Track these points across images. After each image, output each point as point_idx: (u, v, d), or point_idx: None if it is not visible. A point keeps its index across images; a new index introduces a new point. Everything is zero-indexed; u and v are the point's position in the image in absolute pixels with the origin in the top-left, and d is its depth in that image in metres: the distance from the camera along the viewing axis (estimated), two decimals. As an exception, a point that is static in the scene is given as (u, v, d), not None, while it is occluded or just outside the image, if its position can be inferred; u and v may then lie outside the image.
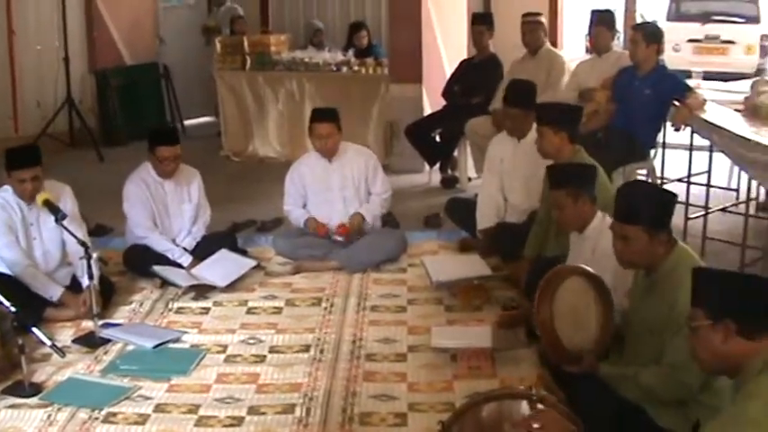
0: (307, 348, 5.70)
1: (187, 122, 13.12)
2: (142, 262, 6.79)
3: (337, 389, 5.16)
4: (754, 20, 17.41)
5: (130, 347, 5.69)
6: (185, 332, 5.93)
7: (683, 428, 4.00)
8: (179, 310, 6.34)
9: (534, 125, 6.53)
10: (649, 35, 7.82)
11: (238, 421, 4.83)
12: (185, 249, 6.93)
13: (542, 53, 9.31)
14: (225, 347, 5.71)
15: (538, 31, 9.31)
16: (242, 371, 5.40)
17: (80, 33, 12.02)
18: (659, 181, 8.17)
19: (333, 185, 7.27)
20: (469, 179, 9.61)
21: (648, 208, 4.22)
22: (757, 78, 9.51)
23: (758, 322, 3.18)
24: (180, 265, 6.80)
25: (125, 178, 7.04)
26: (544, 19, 9.60)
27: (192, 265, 6.80)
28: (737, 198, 8.76)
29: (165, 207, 6.98)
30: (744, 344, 3.18)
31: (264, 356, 5.60)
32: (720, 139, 7.07)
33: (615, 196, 4.45)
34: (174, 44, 13.29)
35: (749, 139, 6.59)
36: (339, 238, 7.21)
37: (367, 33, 12.19)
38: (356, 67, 10.92)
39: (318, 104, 10.36)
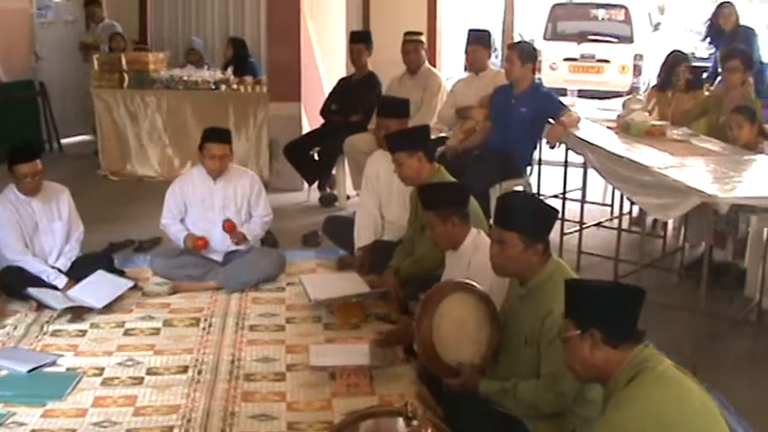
0: (185, 369, 5.65)
1: (64, 141, 12.93)
2: (16, 284, 6.66)
3: (216, 409, 5.13)
4: (628, 40, 17.86)
5: (4, 372, 5.56)
6: (61, 355, 5.82)
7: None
8: (54, 333, 6.21)
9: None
10: (525, 54, 7.95)
11: (116, 445, 4.78)
12: (60, 271, 6.81)
13: (422, 72, 9.41)
14: (102, 370, 5.62)
15: (419, 51, 9.41)
16: (119, 393, 5.33)
17: (-48, 49, 11.79)
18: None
19: (215, 204, 7.22)
20: (348, 197, 9.69)
21: (527, 217, 4.28)
22: (629, 96, 9.76)
23: (622, 331, 3.29)
24: (55, 287, 6.68)
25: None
26: (424, 38, 9.72)
27: (68, 286, 6.68)
28: (611, 213, 8.97)
29: (34, 227, 6.83)
30: (610, 352, 3.28)
31: (142, 378, 5.53)
32: (593, 156, 7.23)
33: (496, 204, 4.52)
34: (50, 61, 13.10)
35: (621, 156, 6.75)
36: (218, 249, 7.19)
37: (232, 47, 12.11)
38: (235, 86, 10.89)
39: (197, 123, 10.36)
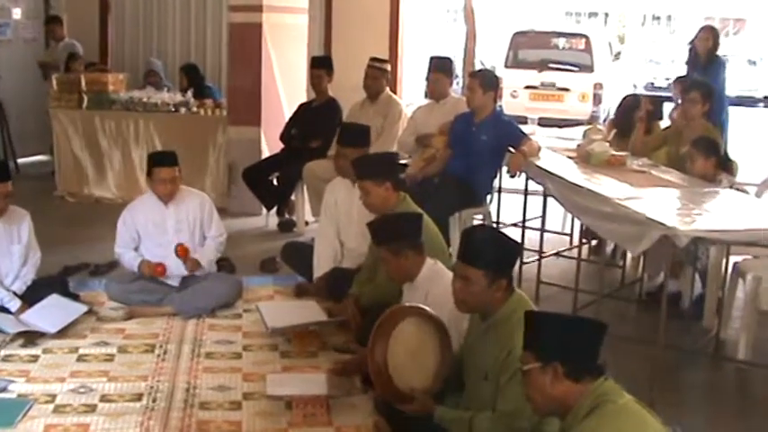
0: (139, 397, 5.55)
1: (21, 160, 12.82)
2: (-32, 308, 6.54)
3: (170, 438, 5.05)
4: (588, 69, 18.08)
5: (-47, 399, 5.46)
6: (12, 381, 5.69)
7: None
8: (6, 358, 6.09)
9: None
10: (486, 82, 7.95)
11: (67, 475, 4.70)
12: (15, 294, 6.70)
13: (382, 99, 9.41)
14: (54, 397, 5.51)
15: (379, 78, 9.41)
16: (71, 422, 5.21)
17: None
18: (494, 226, 8.30)
19: (168, 229, 7.15)
20: (306, 223, 9.66)
21: (493, 253, 4.25)
22: (589, 126, 9.82)
23: (583, 364, 3.30)
24: (8, 311, 6.57)
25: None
26: (389, 66, 9.72)
27: (21, 310, 6.58)
28: (571, 243, 8.98)
29: (-7, 248, 6.76)
30: (571, 386, 3.28)
31: (95, 406, 5.42)
32: (553, 185, 7.23)
33: (461, 237, 4.49)
34: (9, 79, 12.96)
35: (581, 186, 6.75)
36: (174, 274, 7.12)
37: (185, 76, 12.03)
38: (195, 109, 10.84)
39: (156, 145, 10.32)
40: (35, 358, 6.13)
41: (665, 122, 9.06)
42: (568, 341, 3.33)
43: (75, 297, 7.05)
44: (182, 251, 7.05)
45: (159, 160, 7.13)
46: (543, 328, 3.41)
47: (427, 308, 4.68)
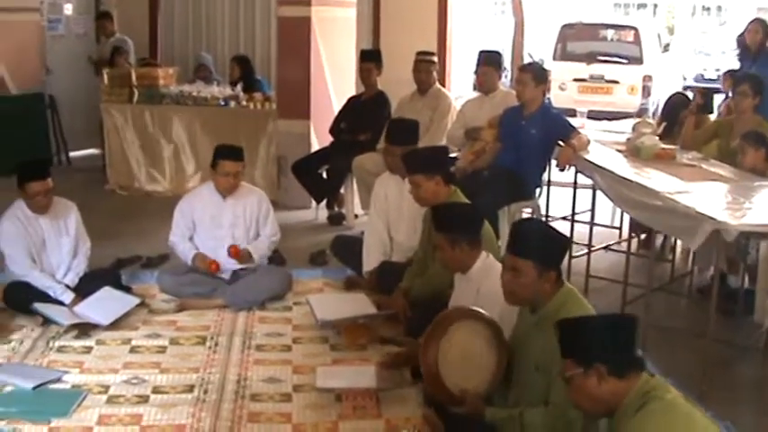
0: (191, 388, 5.60)
1: (73, 154, 12.92)
2: (23, 299, 6.61)
3: (221, 430, 5.09)
4: (638, 61, 17.94)
5: (9, 388, 5.53)
6: (66, 372, 5.77)
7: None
8: (60, 349, 6.18)
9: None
10: (536, 76, 7.93)
11: (121, 464, 4.75)
12: (68, 286, 6.78)
13: (432, 92, 9.41)
14: (107, 388, 5.58)
15: (431, 71, 9.43)
16: (124, 412, 5.28)
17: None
18: (544, 219, 8.29)
19: (224, 223, 7.19)
20: (356, 216, 9.66)
21: (542, 244, 4.26)
22: (639, 120, 9.74)
23: (624, 360, 3.33)
24: (62, 303, 6.65)
25: (5, 210, 6.84)
26: (436, 58, 9.73)
27: (75, 302, 6.65)
28: (620, 236, 8.94)
29: (42, 242, 6.81)
30: (617, 383, 3.31)
31: (148, 397, 5.49)
32: (602, 179, 7.20)
33: (510, 229, 4.50)
34: (61, 74, 13.10)
35: (631, 180, 6.72)
36: (225, 268, 7.17)
37: (238, 66, 12.07)
38: (244, 102, 10.89)
39: (206, 139, 10.37)
40: (89, 350, 6.20)
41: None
42: (605, 340, 3.36)
43: (128, 289, 7.12)
44: (234, 252, 7.10)
45: (226, 153, 7.16)
46: (579, 334, 3.44)
47: (483, 310, 4.67)
